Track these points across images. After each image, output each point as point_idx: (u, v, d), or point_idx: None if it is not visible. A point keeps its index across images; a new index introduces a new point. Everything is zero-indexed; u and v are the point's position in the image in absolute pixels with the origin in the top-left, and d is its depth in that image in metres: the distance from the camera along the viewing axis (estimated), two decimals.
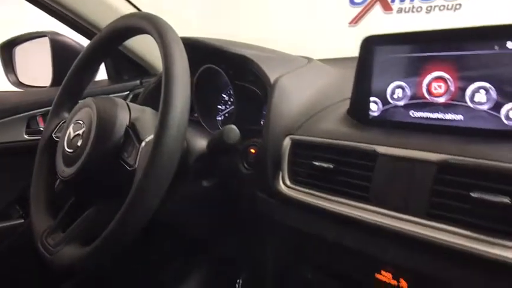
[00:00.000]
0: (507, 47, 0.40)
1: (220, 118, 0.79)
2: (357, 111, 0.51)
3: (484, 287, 0.36)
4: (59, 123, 0.67)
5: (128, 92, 0.97)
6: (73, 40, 0.95)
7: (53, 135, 0.66)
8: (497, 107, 0.41)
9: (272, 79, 0.60)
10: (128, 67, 0.98)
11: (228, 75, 0.70)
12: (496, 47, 0.41)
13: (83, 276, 0.90)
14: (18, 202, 0.88)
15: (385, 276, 0.42)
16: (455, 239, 0.37)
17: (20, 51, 1.07)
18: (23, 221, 0.86)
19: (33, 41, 1.04)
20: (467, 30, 0.42)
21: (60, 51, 0.97)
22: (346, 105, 0.53)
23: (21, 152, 0.87)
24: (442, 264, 0.38)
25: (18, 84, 1.06)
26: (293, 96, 0.59)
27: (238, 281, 0.99)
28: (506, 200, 0.34)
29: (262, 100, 0.64)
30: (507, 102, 0.40)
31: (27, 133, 0.87)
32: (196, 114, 0.78)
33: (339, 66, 0.73)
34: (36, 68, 1.08)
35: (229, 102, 0.78)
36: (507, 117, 0.40)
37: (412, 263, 0.40)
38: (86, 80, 0.69)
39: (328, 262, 0.49)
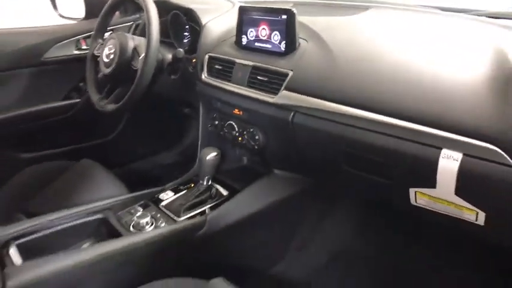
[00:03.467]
0: (283, 18, 0.98)
1: (185, 41, 1.38)
2: (237, 41, 1.10)
3: (269, 117, 0.98)
4: (97, 45, 1.27)
5: (132, 23, 1.55)
6: None
7: (95, 51, 1.27)
8: (280, 42, 1.00)
9: (203, 23, 1.19)
10: (131, 5, 1.54)
11: (185, 18, 1.27)
12: (284, 16, 0.98)
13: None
14: (75, 90, 1.53)
15: (237, 113, 1.06)
16: (256, 95, 0.99)
17: None
18: (79, 100, 1.52)
19: None
20: (275, 8, 1.00)
21: None
22: None
23: (73, 61, 1.49)
24: (253, 105, 1.01)
25: (61, 16, 1.64)
26: (213, 33, 1.17)
27: None
28: (267, 78, 0.96)
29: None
30: (283, 41, 0.99)
31: (76, 49, 1.49)
32: (171, 40, 1.37)
33: None
34: (72, 6, 1.65)
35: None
36: (282, 46, 0.99)
37: (243, 104, 1.03)
38: (110, 19, 1.28)
39: (220, 109, 1.13)
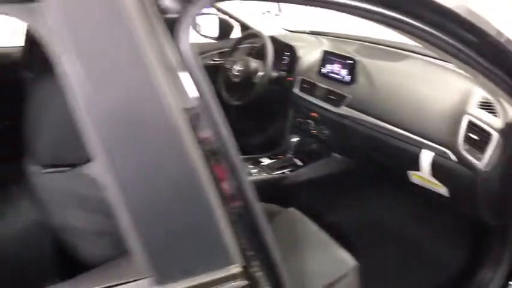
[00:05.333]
0: (349, 62, 1.60)
1: (284, 62, 2.04)
2: (319, 71, 1.74)
3: (333, 121, 1.62)
4: (229, 62, 1.99)
5: (250, 45, 2.25)
6: (227, 18, 2.23)
7: (227, 65, 1.99)
8: (347, 75, 1.62)
9: (299, 56, 1.84)
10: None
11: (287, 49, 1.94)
12: (350, 61, 1.61)
13: None
14: None
15: (314, 115, 1.71)
16: (327, 106, 1.63)
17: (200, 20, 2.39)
18: None
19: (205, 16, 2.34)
20: (346, 55, 1.62)
21: (222, 23, 2.27)
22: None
23: (207, 68, 2.22)
24: (325, 112, 1.65)
25: (201, 35, 2.40)
26: (305, 63, 1.82)
27: None
28: (335, 98, 1.60)
29: None
30: (349, 75, 1.61)
31: (211, 60, 2.23)
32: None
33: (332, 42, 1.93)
34: (209, 28, 2.40)
35: None
36: (347, 78, 1.61)
37: (318, 110, 1.68)
38: (240, 45, 2.00)
39: (304, 111, 1.79)
